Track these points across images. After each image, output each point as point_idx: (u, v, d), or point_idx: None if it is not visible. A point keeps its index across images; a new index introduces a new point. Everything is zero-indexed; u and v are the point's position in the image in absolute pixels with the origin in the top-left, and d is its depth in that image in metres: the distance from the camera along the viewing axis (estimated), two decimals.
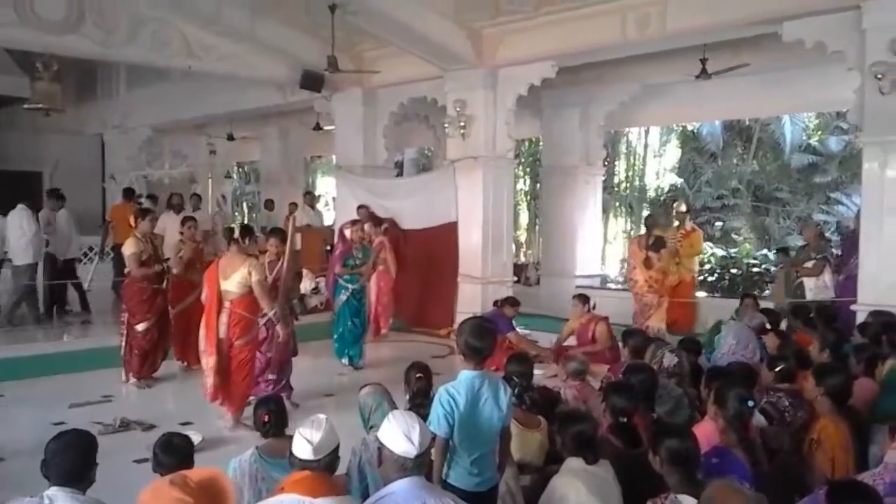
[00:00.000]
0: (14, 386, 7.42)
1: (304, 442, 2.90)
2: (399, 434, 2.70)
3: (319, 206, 16.94)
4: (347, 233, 8.87)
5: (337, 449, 3.01)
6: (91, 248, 13.45)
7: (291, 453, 2.95)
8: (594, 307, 8.56)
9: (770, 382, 4.83)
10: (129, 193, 12.66)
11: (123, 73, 15.61)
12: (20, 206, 10.07)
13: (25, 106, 10.97)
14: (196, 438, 4.64)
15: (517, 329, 8.82)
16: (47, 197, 11.24)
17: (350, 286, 8.60)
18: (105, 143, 17.16)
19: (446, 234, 10.68)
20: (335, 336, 8.64)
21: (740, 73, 9.96)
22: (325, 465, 2.95)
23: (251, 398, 6.07)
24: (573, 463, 3.26)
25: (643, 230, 10.99)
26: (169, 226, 10.15)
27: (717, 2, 7.96)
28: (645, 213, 18.70)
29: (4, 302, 10.27)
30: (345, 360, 8.54)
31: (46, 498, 2.75)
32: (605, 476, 3.27)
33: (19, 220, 9.93)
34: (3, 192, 13.44)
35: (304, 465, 2.88)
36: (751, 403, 3.71)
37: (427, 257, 10.82)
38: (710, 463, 3.28)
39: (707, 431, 3.88)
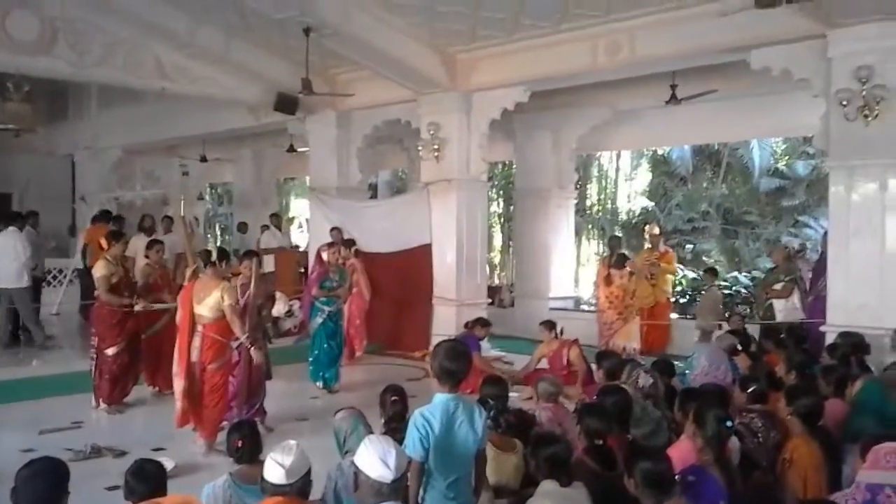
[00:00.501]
0: None
1: (276, 466, 2.89)
2: (375, 459, 2.70)
3: (293, 227, 16.86)
4: (325, 255, 8.85)
5: (309, 472, 3.01)
6: (60, 271, 13.25)
7: (263, 479, 2.94)
8: (562, 332, 8.62)
9: (743, 403, 4.89)
10: (105, 216, 12.35)
11: (95, 93, 15.47)
12: (11, 229, 9.84)
13: None
14: (169, 465, 4.58)
15: (479, 352, 8.74)
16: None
17: (327, 308, 8.56)
18: (76, 164, 16.95)
19: (420, 257, 10.70)
20: (311, 359, 8.57)
21: (709, 99, 10.16)
22: (298, 490, 2.94)
23: (224, 423, 6.01)
24: (547, 486, 3.27)
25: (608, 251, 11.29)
26: (140, 248, 10.01)
27: (686, 30, 8.11)
28: (619, 234, 18.88)
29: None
30: (319, 384, 8.48)
31: None
32: (578, 499, 3.28)
33: (13, 243, 9.68)
34: None
35: (276, 490, 2.87)
36: (729, 424, 3.76)
37: (401, 280, 10.81)
38: (686, 481, 3.31)
39: (682, 452, 3.91)
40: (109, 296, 7.38)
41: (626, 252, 11.42)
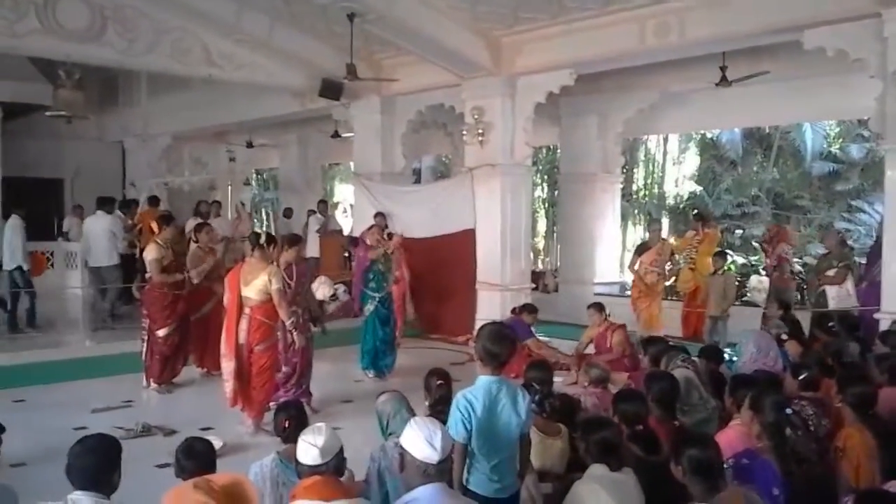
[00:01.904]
0: (35, 391, 7.49)
1: (309, 447, 2.94)
2: (421, 439, 2.70)
3: (338, 212, 16.98)
4: (368, 239, 8.84)
5: (342, 451, 3.06)
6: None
7: (298, 462, 2.97)
8: (609, 315, 8.53)
9: (794, 391, 4.79)
10: (153, 201, 12.75)
11: (145, 81, 15.76)
12: (101, 212, 10.61)
13: (48, 113, 11.13)
14: (217, 444, 4.66)
15: (536, 336, 8.79)
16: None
17: (377, 294, 8.49)
18: (126, 151, 17.29)
19: (464, 242, 10.68)
20: (365, 347, 8.47)
21: (760, 81, 9.90)
22: (334, 468, 2.98)
23: (271, 404, 6.11)
24: (597, 469, 3.24)
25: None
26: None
27: (737, 10, 7.91)
28: (665, 220, 18.66)
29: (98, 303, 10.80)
30: (370, 373, 8.39)
31: (70, 502, 2.75)
32: (628, 483, 3.25)
33: (105, 225, 10.52)
34: (25, 199, 13.63)
35: (312, 470, 2.90)
36: (788, 411, 3.69)
37: (445, 264, 10.81)
38: (740, 464, 3.27)
39: (731, 438, 3.86)
40: (162, 276, 7.53)
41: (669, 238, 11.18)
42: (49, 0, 9.19)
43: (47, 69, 12.50)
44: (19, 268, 10.17)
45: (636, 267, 10.30)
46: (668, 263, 10.64)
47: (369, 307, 8.51)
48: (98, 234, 10.53)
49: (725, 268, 9.97)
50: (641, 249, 10.43)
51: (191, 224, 10.61)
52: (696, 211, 11.68)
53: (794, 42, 7.94)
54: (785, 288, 10.24)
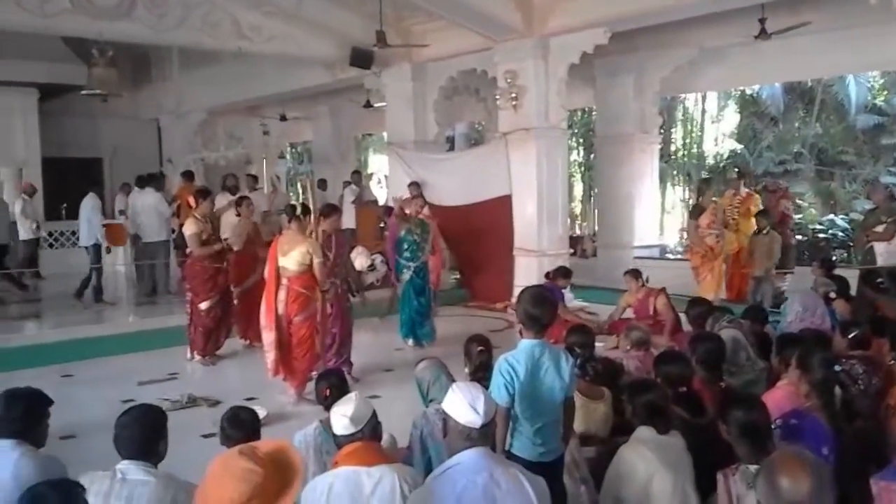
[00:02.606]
0: (83, 366, 7.64)
1: (341, 417, 2.95)
2: (464, 404, 2.68)
3: (372, 183, 16.98)
4: (407, 209, 8.77)
5: (374, 416, 3.06)
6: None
7: (334, 434, 2.98)
8: (647, 280, 8.41)
9: (843, 349, 4.68)
10: (188, 176, 12.88)
11: (176, 56, 15.82)
12: (149, 189, 11.04)
13: (83, 92, 11.23)
14: (261, 413, 4.71)
15: (563, 302, 8.66)
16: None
17: (412, 264, 8.46)
18: (161, 128, 17.46)
19: (500, 208, 10.58)
20: (403, 317, 8.49)
21: (801, 33, 9.58)
22: (370, 434, 2.98)
23: (313, 373, 6.16)
24: (643, 433, 3.20)
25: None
26: (224, 206, 10.32)
27: None
28: (707, 177, 18.27)
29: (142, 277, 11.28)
30: (410, 341, 8.40)
31: (118, 472, 2.79)
32: (677, 445, 3.20)
33: (154, 202, 10.96)
34: (66, 179, 13.87)
35: (348, 439, 2.91)
36: (837, 368, 3.60)
37: (481, 231, 10.75)
38: (788, 424, 3.20)
39: (778, 398, 3.78)
40: (202, 249, 7.61)
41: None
42: None
43: (80, 49, 12.62)
44: (96, 244, 10.69)
45: (697, 230, 9.97)
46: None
47: (405, 276, 8.50)
48: (148, 211, 10.95)
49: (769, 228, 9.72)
50: (697, 212, 10.09)
51: (220, 199, 10.71)
52: (737, 170, 11.40)
53: None
54: (788, 245, 10.42)
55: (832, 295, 6.80)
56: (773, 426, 3.20)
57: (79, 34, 10.52)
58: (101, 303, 10.54)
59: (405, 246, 8.51)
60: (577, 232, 18.35)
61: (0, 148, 14.65)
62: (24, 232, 11.62)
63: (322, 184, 16.42)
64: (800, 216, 16.61)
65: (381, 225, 12.20)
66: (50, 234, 14.24)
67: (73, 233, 14.16)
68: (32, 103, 14.78)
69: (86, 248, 10.80)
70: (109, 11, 9.54)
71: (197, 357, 7.75)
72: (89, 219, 10.74)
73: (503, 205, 10.56)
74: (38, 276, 12.73)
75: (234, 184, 12.01)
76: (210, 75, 14.98)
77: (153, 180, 11.46)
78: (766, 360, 4.84)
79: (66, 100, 14.92)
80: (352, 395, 3.10)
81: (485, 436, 2.72)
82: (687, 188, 21.90)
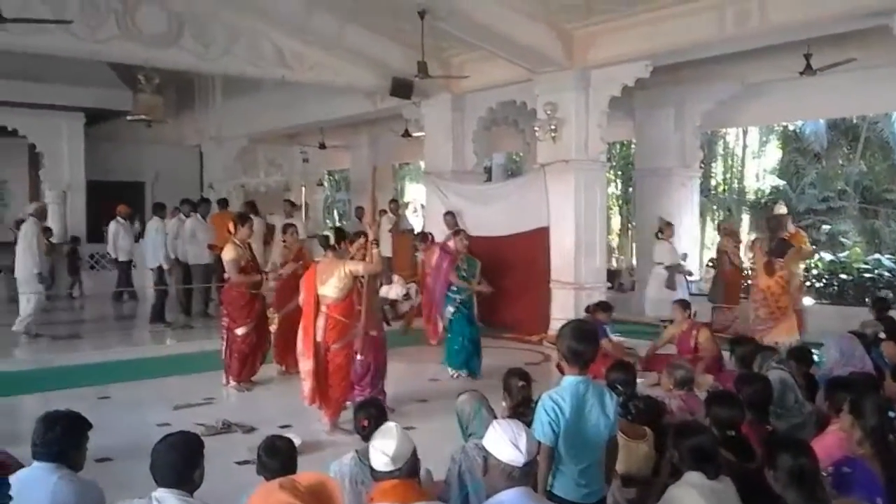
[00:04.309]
0: (120, 388, 7.67)
1: (381, 454, 2.87)
2: (506, 441, 2.61)
3: (409, 212, 17.03)
4: (451, 244, 8.78)
5: (415, 452, 2.98)
6: None
7: (372, 469, 2.91)
8: (695, 314, 8.24)
9: (894, 393, 4.52)
10: (223, 203, 13.17)
11: (219, 84, 16.11)
12: (194, 215, 11.60)
13: (129, 117, 11.51)
14: (296, 441, 4.65)
15: (610, 336, 8.57)
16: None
17: (458, 297, 8.49)
18: (203, 154, 17.75)
19: (537, 240, 10.52)
20: (455, 347, 8.38)
21: (847, 69, 9.48)
22: (408, 472, 2.91)
23: (347, 403, 6.11)
24: (693, 477, 3.07)
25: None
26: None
27: None
28: (745, 216, 18.06)
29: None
30: (463, 372, 8.26)
31: (154, 499, 2.77)
32: (727, 492, 3.07)
33: (200, 226, 11.52)
34: (107, 203, 14.15)
35: (387, 476, 2.84)
36: (892, 414, 3.45)
37: (518, 263, 10.67)
38: (841, 472, 3.07)
39: (829, 445, 3.65)
40: (240, 277, 7.64)
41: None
42: (128, 7, 9.52)
43: (127, 75, 12.91)
44: (159, 267, 11.13)
45: (780, 270, 8.67)
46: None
47: (450, 309, 8.47)
48: (193, 234, 11.40)
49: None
50: (782, 249, 8.79)
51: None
52: (784, 206, 11.12)
53: (883, 27, 7.57)
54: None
55: (881, 335, 6.60)
56: (824, 473, 3.08)
57: (127, 61, 10.77)
58: (159, 322, 10.87)
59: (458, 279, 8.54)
60: (615, 265, 18.17)
61: (47, 170, 15.00)
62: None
63: (359, 211, 16.55)
64: (844, 254, 16.28)
65: (416, 253, 12.20)
66: (91, 256, 14.51)
67: (104, 256, 14.53)
68: (79, 127, 15.15)
69: (151, 269, 11.29)
70: (157, 39, 9.77)
71: (232, 382, 7.74)
72: (153, 241, 11.12)
73: (540, 236, 10.50)
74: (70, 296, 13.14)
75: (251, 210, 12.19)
76: (251, 103, 15.23)
77: (199, 206, 11.78)
78: (811, 403, 4.70)
79: (111, 125, 15.26)
80: (392, 428, 3.02)
81: (527, 475, 2.64)
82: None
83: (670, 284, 10.24)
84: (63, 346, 9.57)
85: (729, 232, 11.29)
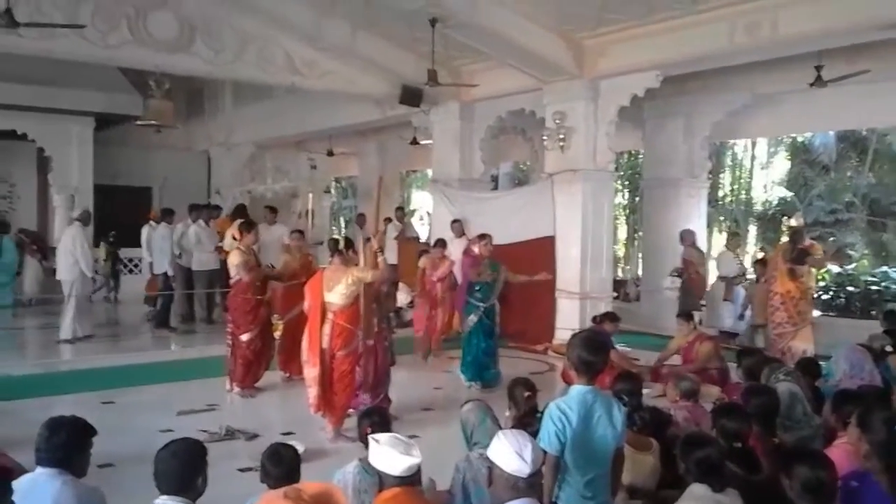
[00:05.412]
0: (124, 393, 7.65)
1: (401, 457, 2.83)
2: (511, 452, 2.59)
3: (414, 219, 17.03)
4: (476, 248, 8.67)
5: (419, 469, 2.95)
6: None
7: (381, 472, 2.87)
8: (700, 323, 8.20)
9: None
10: (241, 210, 13.07)
11: (229, 90, 16.15)
12: (200, 222, 11.55)
13: (138, 122, 11.54)
14: (299, 448, 4.63)
15: (616, 346, 8.52)
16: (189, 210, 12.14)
17: (482, 305, 8.26)
18: (211, 159, 17.79)
19: (543, 249, 10.47)
20: (469, 357, 8.25)
21: (858, 81, 9.40)
22: (416, 480, 2.91)
23: (351, 410, 6.10)
24: (698, 490, 3.05)
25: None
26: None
27: (833, 6, 7.50)
28: (752, 227, 17.95)
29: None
30: (477, 383, 8.11)
31: None
32: None
33: (207, 234, 11.51)
34: (115, 207, 14.19)
35: (397, 481, 2.82)
36: None
37: (524, 272, 10.57)
38: (848, 486, 3.03)
39: (836, 458, 3.60)
40: (251, 273, 7.69)
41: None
42: (140, 12, 9.55)
43: (138, 80, 12.96)
44: (165, 273, 11.17)
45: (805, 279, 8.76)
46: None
47: (473, 318, 8.26)
48: (201, 242, 11.42)
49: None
50: (801, 258, 8.65)
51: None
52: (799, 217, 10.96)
53: (894, 39, 7.51)
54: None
55: (888, 349, 6.56)
56: None
57: (138, 66, 10.81)
58: (164, 328, 10.89)
59: (477, 287, 8.32)
60: (621, 275, 18.12)
61: (56, 174, 15.06)
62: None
63: (360, 219, 16.53)
64: (851, 266, 16.20)
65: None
66: (96, 262, 14.52)
67: (131, 260, 14.57)
68: (88, 132, 15.18)
69: (157, 275, 11.32)
70: (169, 45, 9.80)
71: (236, 389, 7.72)
72: (161, 248, 11.14)
73: (546, 246, 10.46)
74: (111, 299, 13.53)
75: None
76: (260, 109, 15.27)
77: (206, 210, 11.77)
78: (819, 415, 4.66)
79: (120, 129, 15.31)
80: (406, 440, 2.98)
81: (532, 486, 2.62)
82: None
83: (727, 296, 10.10)
84: (65, 351, 9.56)
85: (689, 241, 11.31)
